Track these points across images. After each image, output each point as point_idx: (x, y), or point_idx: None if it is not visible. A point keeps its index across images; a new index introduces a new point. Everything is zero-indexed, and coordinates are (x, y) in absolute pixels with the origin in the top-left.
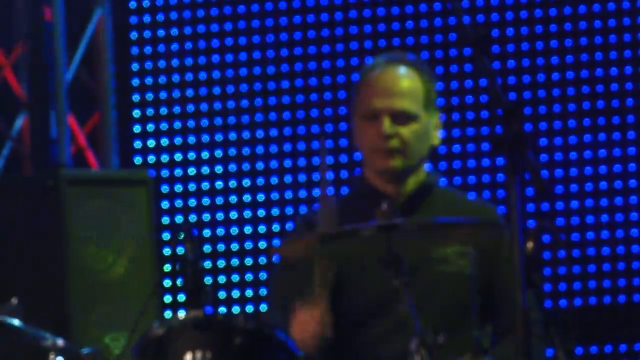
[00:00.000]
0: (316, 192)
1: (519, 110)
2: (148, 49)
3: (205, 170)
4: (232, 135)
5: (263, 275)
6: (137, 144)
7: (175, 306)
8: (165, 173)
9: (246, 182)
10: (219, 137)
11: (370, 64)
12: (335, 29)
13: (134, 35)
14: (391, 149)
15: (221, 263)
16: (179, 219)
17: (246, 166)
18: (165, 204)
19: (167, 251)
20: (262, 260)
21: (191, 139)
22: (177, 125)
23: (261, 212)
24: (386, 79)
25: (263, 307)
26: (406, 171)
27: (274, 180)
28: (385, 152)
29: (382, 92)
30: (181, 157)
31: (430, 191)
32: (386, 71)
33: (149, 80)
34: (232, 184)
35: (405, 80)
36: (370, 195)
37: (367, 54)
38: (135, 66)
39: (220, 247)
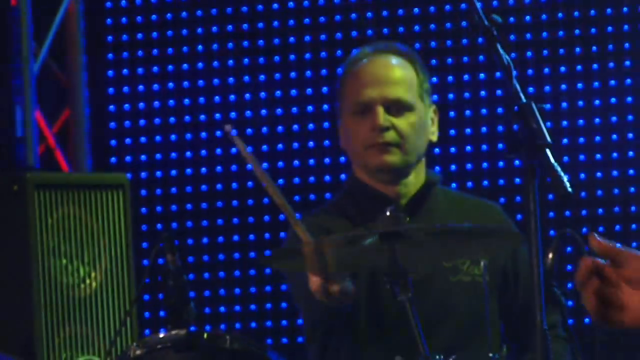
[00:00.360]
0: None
1: (538, 106)
2: (125, 37)
3: (189, 172)
4: (219, 133)
5: (252, 290)
6: (113, 143)
7: (155, 325)
8: (144, 175)
9: (234, 186)
10: (203, 135)
11: (355, 54)
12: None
13: (109, 21)
14: (387, 142)
15: (206, 275)
16: (159, 226)
17: (234, 167)
18: (144, 210)
19: (146, 263)
20: (252, 273)
21: (173, 138)
22: (157, 122)
23: (251, 219)
24: (376, 67)
25: (252, 325)
26: (405, 168)
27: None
28: (380, 146)
29: (372, 81)
30: (162, 158)
31: (431, 192)
32: (375, 60)
33: (125, 72)
34: (219, 187)
35: (397, 68)
36: (366, 197)
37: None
38: (110, 56)
39: (206, 258)
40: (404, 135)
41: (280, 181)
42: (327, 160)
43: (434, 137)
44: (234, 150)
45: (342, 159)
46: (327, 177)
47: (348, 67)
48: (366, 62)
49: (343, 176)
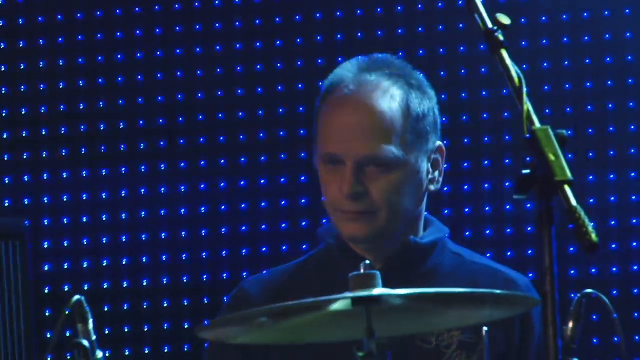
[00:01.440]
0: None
1: (556, 132)
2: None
3: (105, 218)
4: (143, 168)
5: None
6: (6, 181)
7: None
8: (46, 222)
9: (163, 234)
10: (123, 170)
11: (334, 76)
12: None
13: None
14: (358, 211)
15: (127, 351)
16: (66, 287)
17: (165, 212)
18: (47, 266)
19: (49, 334)
20: (186, 347)
21: (84, 173)
22: (64, 152)
23: (185, 279)
24: (350, 107)
25: None
26: (383, 236)
27: (204, 231)
28: (349, 215)
29: (344, 129)
30: (69, 199)
31: (426, 252)
32: (352, 94)
33: (23, 91)
34: (144, 237)
35: (378, 110)
36: (341, 255)
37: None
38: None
39: (127, 328)
40: (382, 201)
41: None
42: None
43: (435, 186)
44: (161, 187)
45: None
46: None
47: (323, 94)
48: (340, 96)
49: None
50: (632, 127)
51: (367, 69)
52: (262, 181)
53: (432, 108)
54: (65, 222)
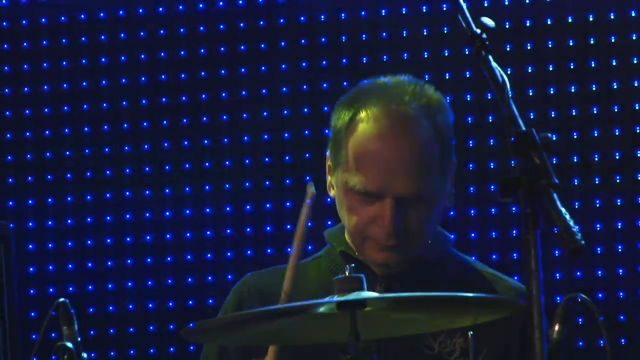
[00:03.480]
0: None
1: (541, 136)
2: None
3: (90, 221)
4: (128, 170)
5: None
6: None
7: None
8: (31, 225)
9: (148, 238)
10: (108, 174)
11: (355, 100)
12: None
13: None
14: (392, 245)
15: (113, 353)
16: (52, 290)
17: (149, 215)
18: (32, 269)
19: (35, 337)
20: (172, 350)
21: (69, 177)
22: (49, 155)
23: (170, 282)
24: (392, 143)
25: None
26: (405, 262)
27: (189, 234)
28: (382, 246)
29: (382, 166)
30: (54, 203)
31: (434, 266)
32: (389, 127)
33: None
34: (128, 240)
35: (419, 139)
36: (345, 262)
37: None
38: None
39: (112, 331)
40: (414, 232)
41: None
42: None
43: (451, 202)
44: (147, 194)
45: None
46: None
47: (347, 125)
48: (374, 130)
49: None
50: (617, 131)
51: (398, 96)
52: (267, 183)
53: (451, 127)
54: (48, 226)
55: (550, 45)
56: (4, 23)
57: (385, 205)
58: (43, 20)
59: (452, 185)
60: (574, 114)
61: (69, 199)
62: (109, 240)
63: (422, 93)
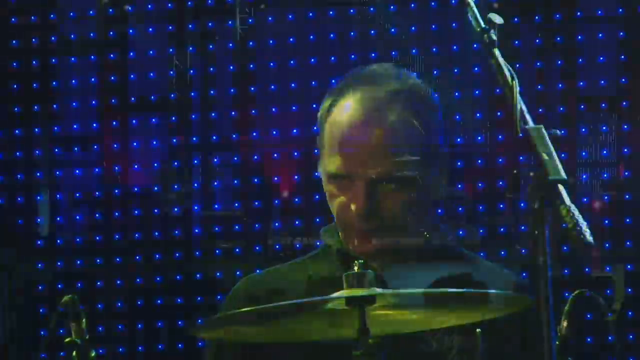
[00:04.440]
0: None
1: (549, 132)
2: None
3: (98, 216)
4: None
5: None
6: None
7: None
8: (40, 220)
9: (156, 234)
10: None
11: (336, 89)
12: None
13: None
14: (369, 230)
15: (121, 349)
16: (60, 286)
17: (156, 211)
18: (40, 265)
19: (44, 333)
20: (180, 346)
21: (77, 172)
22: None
23: (179, 277)
24: (362, 126)
25: None
26: (388, 254)
27: (200, 230)
28: (360, 233)
29: (352, 149)
30: (64, 197)
31: (433, 255)
32: (361, 110)
33: None
34: (137, 236)
35: (387, 124)
36: (340, 258)
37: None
38: None
39: (120, 326)
40: (392, 217)
41: None
42: None
43: (442, 193)
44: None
45: None
46: None
47: (327, 109)
48: (349, 113)
49: None
50: (604, 128)
51: (374, 82)
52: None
53: (439, 116)
54: (59, 220)
55: (558, 41)
56: None
57: (357, 188)
58: None
59: (442, 177)
60: (581, 108)
61: (77, 194)
62: (115, 236)
63: (398, 79)
